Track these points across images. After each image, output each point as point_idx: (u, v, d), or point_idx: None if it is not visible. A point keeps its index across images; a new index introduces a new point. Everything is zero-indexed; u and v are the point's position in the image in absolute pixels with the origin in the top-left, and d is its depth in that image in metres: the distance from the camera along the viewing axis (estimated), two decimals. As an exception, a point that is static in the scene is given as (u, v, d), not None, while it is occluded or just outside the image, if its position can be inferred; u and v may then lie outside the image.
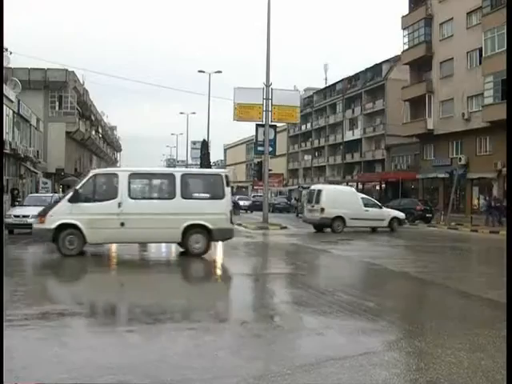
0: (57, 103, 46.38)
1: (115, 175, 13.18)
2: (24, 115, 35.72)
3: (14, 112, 32.92)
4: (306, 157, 73.23)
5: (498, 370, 4.81)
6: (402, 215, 25.75)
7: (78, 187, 12.87)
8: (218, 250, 14.96)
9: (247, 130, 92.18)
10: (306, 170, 73.27)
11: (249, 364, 5.04)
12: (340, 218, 23.30)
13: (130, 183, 12.90)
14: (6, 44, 28.20)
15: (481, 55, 35.15)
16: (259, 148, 27.78)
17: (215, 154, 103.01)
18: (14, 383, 4.27)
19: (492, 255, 16.75)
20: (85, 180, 13.10)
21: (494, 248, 17.87)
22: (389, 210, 26.02)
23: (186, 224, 12.94)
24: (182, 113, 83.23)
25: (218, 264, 13.40)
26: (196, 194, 13.55)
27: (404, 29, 43.99)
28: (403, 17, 44.26)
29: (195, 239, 13.09)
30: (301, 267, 12.38)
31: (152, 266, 13.16)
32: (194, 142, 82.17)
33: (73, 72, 45.22)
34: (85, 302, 8.12)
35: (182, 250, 13.74)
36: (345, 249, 16.50)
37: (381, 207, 25.36)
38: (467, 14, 37.49)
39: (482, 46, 34.29)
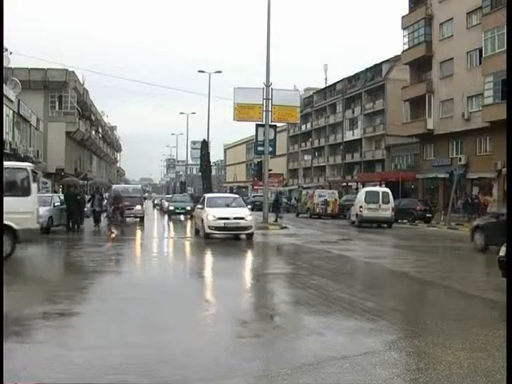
0: (57, 103, 46.40)
1: None
2: (24, 115, 35.74)
3: (14, 112, 32.95)
4: (306, 157, 73.21)
5: (498, 370, 4.81)
6: None
7: None
8: (215, 249, 14.91)
9: (247, 129, 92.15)
10: (306, 170, 73.25)
11: (249, 364, 5.04)
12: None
13: None
14: (6, 44, 28.22)
15: (481, 55, 35.15)
16: (259, 148, 27.77)
17: (215, 154, 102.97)
18: (14, 383, 4.27)
19: (492, 255, 16.71)
20: None
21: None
22: None
23: None
24: (182, 113, 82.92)
25: (216, 264, 13.38)
26: None
27: (404, 29, 44.00)
28: (403, 17, 44.29)
29: None
30: (301, 267, 12.36)
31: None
32: (193, 142, 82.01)
33: (73, 72, 45.25)
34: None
35: None
36: (344, 249, 16.48)
37: None
38: (467, 13, 37.50)
39: (482, 46, 34.29)
